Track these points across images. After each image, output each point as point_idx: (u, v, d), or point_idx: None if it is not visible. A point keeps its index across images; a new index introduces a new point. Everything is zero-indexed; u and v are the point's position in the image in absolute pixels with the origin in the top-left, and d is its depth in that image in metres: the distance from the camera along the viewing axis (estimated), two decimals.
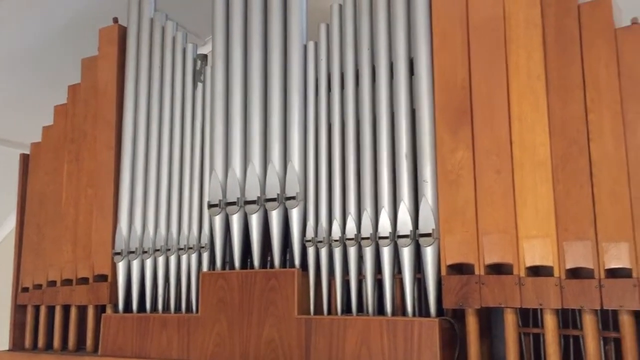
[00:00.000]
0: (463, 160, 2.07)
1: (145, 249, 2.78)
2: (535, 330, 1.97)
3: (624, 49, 1.83)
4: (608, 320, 1.90)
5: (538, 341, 1.99)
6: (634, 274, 1.73)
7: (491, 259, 1.97)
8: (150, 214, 2.81)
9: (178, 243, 2.70)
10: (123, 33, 3.06)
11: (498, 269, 1.99)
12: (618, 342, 1.85)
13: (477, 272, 1.98)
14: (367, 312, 2.22)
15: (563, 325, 1.93)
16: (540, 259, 1.88)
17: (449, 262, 2.04)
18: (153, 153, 2.86)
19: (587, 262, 1.81)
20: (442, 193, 2.09)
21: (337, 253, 2.29)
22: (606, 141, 1.83)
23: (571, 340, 1.94)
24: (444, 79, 2.15)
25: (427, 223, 2.11)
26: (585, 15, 1.92)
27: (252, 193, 2.49)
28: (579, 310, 1.88)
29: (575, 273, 1.85)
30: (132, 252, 2.80)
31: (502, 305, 1.93)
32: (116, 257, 2.81)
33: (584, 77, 1.89)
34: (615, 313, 1.86)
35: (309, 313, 2.32)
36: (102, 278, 2.86)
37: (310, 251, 2.35)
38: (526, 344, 2.02)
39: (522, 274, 1.90)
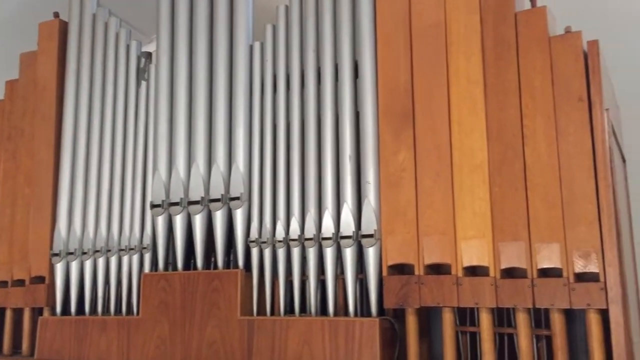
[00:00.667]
0: (405, 162, 2.11)
1: (85, 250, 2.71)
2: (472, 329, 2.02)
3: (558, 57, 1.91)
4: (540, 318, 1.97)
5: (474, 339, 2.04)
6: (564, 274, 1.80)
7: (430, 259, 2.01)
8: (91, 214, 2.75)
9: (119, 244, 2.65)
10: (64, 28, 2.99)
11: (437, 269, 2.04)
12: (550, 340, 1.92)
13: (416, 272, 2.02)
14: (310, 312, 2.23)
15: (498, 323, 1.98)
16: (477, 259, 1.93)
17: (390, 263, 2.07)
18: (94, 152, 2.80)
19: (520, 262, 1.87)
20: (384, 194, 2.12)
21: (281, 254, 2.29)
22: (540, 146, 1.90)
23: (505, 338, 2.00)
24: (387, 82, 2.18)
25: (369, 224, 2.14)
26: (522, 23, 1.98)
27: (196, 193, 2.46)
28: (513, 309, 1.94)
29: (510, 273, 1.91)
30: (71, 253, 2.73)
31: (440, 305, 1.97)
32: (54, 259, 2.74)
33: (520, 83, 1.95)
34: (547, 311, 1.93)
35: (251, 314, 2.31)
36: (40, 280, 2.78)
37: (254, 252, 2.35)
38: (463, 342, 2.07)
39: (460, 274, 1.95)
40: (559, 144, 1.88)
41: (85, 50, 2.90)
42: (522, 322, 1.88)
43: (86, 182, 2.80)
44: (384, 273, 2.07)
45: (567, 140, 1.87)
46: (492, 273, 1.90)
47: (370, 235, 2.13)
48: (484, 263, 1.92)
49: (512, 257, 1.88)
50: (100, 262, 2.67)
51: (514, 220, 1.90)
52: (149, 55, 2.79)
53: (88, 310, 2.68)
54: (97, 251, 2.69)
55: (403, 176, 2.10)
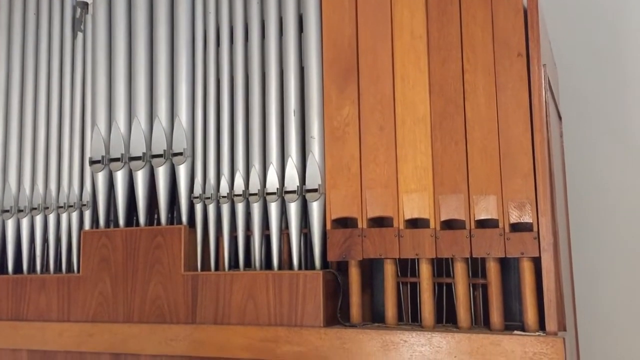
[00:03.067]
0: (349, 117, 2.11)
1: (21, 208, 2.62)
2: (412, 280, 2.08)
3: (498, 12, 1.93)
4: (477, 268, 2.04)
5: (415, 290, 2.10)
6: (500, 224, 1.86)
7: (373, 212, 2.04)
8: (27, 171, 2.66)
9: (57, 201, 2.57)
10: None
11: (380, 222, 2.07)
12: (485, 288, 1.99)
13: (360, 225, 2.05)
14: (255, 267, 2.24)
15: (437, 274, 2.05)
16: (418, 212, 1.97)
17: (334, 217, 2.09)
18: (29, 106, 2.70)
19: (459, 214, 1.92)
20: (329, 149, 2.12)
21: (225, 209, 2.28)
22: (479, 101, 1.94)
23: (444, 287, 2.07)
24: (331, 37, 2.17)
25: (313, 179, 2.15)
26: None
27: (138, 149, 2.41)
28: (452, 259, 2.01)
29: (449, 224, 1.96)
30: (6, 211, 2.64)
31: (382, 257, 2.01)
32: None
33: (462, 38, 1.98)
34: (483, 261, 2.00)
35: (196, 269, 2.30)
36: None
37: (198, 208, 2.32)
38: (404, 292, 2.12)
39: (402, 226, 1.99)
40: (498, 98, 1.92)
41: (17, 0, 2.75)
42: (460, 271, 1.94)
43: (21, 138, 2.70)
44: (328, 227, 2.09)
45: (505, 94, 1.91)
46: (432, 225, 1.95)
47: (315, 190, 2.14)
48: (425, 215, 1.96)
49: (452, 209, 1.93)
50: (38, 219, 2.60)
51: (454, 173, 1.94)
52: (85, 5, 2.67)
53: (26, 269, 2.61)
54: (34, 209, 2.61)
55: (347, 131, 2.11)
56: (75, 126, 2.59)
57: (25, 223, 2.62)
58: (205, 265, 2.33)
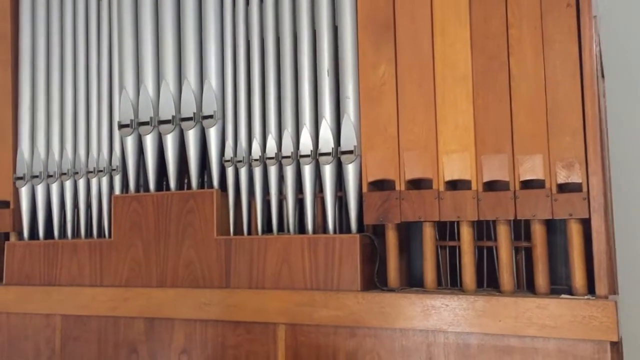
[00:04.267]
0: (385, 76, 2.04)
1: (51, 173, 2.60)
2: (452, 243, 2.02)
3: None
4: (520, 231, 1.97)
5: (454, 254, 2.04)
6: (547, 185, 1.79)
7: (412, 174, 1.97)
8: (55, 136, 2.63)
9: (87, 166, 2.54)
10: None
11: (418, 185, 2.01)
12: (528, 252, 1.93)
13: (397, 187, 1.99)
14: (288, 231, 2.20)
15: (478, 237, 1.98)
16: (458, 173, 1.91)
17: (370, 179, 2.03)
18: (55, 71, 2.65)
19: (503, 175, 1.85)
20: (364, 109, 2.06)
21: (257, 173, 2.23)
22: (525, 56, 1.85)
23: (485, 251, 2.01)
24: None
25: (349, 140, 2.08)
26: None
27: (167, 112, 2.36)
28: (494, 222, 1.94)
29: (492, 186, 1.90)
30: (36, 177, 2.62)
31: (421, 219, 1.95)
32: (18, 182, 2.63)
33: None
34: (526, 224, 1.94)
35: (228, 234, 2.27)
36: (4, 205, 2.67)
37: (229, 171, 2.28)
38: (442, 256, 2.07)
39: (442, 188, 1.92)
40: (545, 53, 1.83)
41: None
42: (503, 234, 1.88)
43: (48, 103, 2.66)
44: (364, 189, 2.04)
45: (553, 48, 1.81)
46: (474, 186, 1.88)
47: (350, 152, 2.08)
48: (466, 177, 1.90)
49: (495, 169, 1.86)
50: (68, 185, 2.57)
51: (497, 132, 1.87)
52: None
53: (57, 234, 2.60)
54: (64, 174, 2.58)
55: (383, 90, 2.03)
56: (102, 90, 2.54)
57: (55, 188, 2.60)
58: (238, 230, 2.29)
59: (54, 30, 2.67)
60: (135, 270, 2.35)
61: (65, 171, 2.58)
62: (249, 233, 2.27)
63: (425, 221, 1.96)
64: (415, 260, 2.16)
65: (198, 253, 2.24)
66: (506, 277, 1.86)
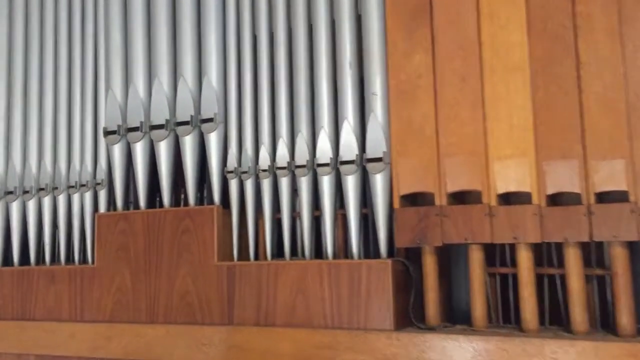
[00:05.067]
0: (421, 67, 1.69)
1: (27, 189, 2.26)
2: (505, 270, 1.65)
3: None
4: (589, 255, 1.60)
5: (505, 282, 1.67)
6: (631, 197, 1.42)
7: (455, 186, 1.62)
8: (32, 146, 2.30)
9: (68, 180, 2.20)
10: None
11: (463, 199, 1.65)
12: (601, 281, 1.56)
13: (437, 202, 1.63)
14: (303, 255, 1.84)
15: (536, 262, 1.61)
16: (515, 184, 1.55)
17: (403, 192, 1.68)
18: (34, 70, 2.34)
19: (572, 186, 1.49)
20: (395, 108, 1.71)
21: (266, 185, 1.88)
22: (598, 38, 1.50)
23: (545, 280, 1.63)
24: None
25: (376, 146, 1.73)
26: None
27: (159, 116, 2.02)
28: (556, 245, 1.58)
29: (558, 199, 1.53)
30: (10, 193, 2.28)
31: (469, 241, 1.59)
32: None
33: None
34: (599, 247, 1.57)
35: (231, 259, 1.91)
36: None
37: (233, 184, 1.93)
38: (491, 286, 1.69)
39: (493, 202, 1.56)
40: (623, 34, 1.47)
41: None
42: (573, 259, 1.51)
43: (25, 107, 2.33)
44: (396, 205, 1.68)
45: (634, 28, 1.46)
46: (535, 200, 1.52)
47: (378, 159, 1.72)
48: (525, 188, 1.54)
49: (562, 179, 1.50)
50: (46, 202, 2.24)
51: (564, 132, 1.51)
52: None
53: (33, 259, 2.25)
54: (42, 189, 2.24)
55: (419, 84, 1.69)
56: (86, 91, 2.21)
57: (31, 206, 2.26)
58: (243, 254, 1.93)
59: (33, 25, 2.35)
60: (121, 302, 1.99)
61: (43, 186, 2.24)
62: (256, 258, 1.91)
63: (472, 243, 1.59)
64: (458, 291, 1.78)
65: (195, 282, 1.88)
66: (579, 313, 1.49)
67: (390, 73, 1.73)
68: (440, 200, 1.63)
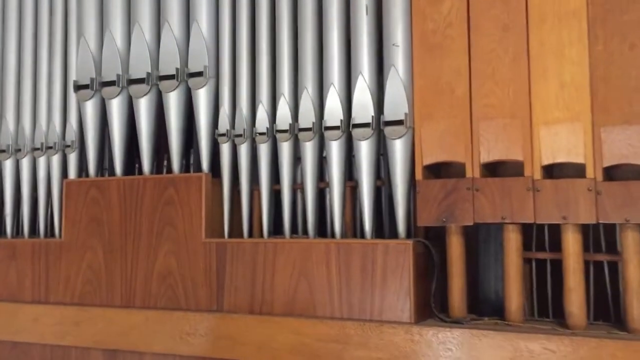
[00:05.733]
0: (452, 14, 1.43)
1: None
2: (544, 255, 1.41)
3: None
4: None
5: (542, 269, 1.43)
6: None
7: (491, 155, 1.38)
8: None
9: (32, 141, 1.91)
10: None
11: (500, 170, 1.41)
12: None
13: (469, 174, 1.38)
14: (306, 233, 1.58)
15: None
16: (565, 154, 1.31)
17: (428, 161, 1.43)
18: None
19: (636, 157, 1.24)
20: (420, 62, 1.46)
21: (264, 151, 1.62)
22: None
23: (591, 267, 1.39)
24: None
25: (396, 106, 1.47)
26: None
27: (140, 68, 1.74)
28: (604, 226, 1.34)
29: (616, 173, 1.29)
30: None
31: (506, 221, 1.35)
32: None
33: None
34: None
35: (222, 236, 1.65)
36: None
37: (225, 149, 1.66)
38: (525, 273, 1.45)
39: (537, 175, 1.32)
40: None
41: None
42: (632, 244, 1.27)
43: None
44: (418, 176, 1.43)
45: None
46: (589, 173, 1.28)
47: (398, 122, 1.47)
48: (577, 159, 1.30)
49: (623, 148, 1.26)
50: (8, 165, 1.96)
51: (627, 94, 1.26)
52: None
53: None
54: (2, 151, 1.95)
55: (449, 34, 1.43)
56: (55, 39, 1.93)
57: None
58: (235, 230, 1.68)
59: None
60: (92, 282, 1.73)
61: (4, 148, 1.95)
62: (250, 235, 1.65)
63: (510, 223, 1.35)
64: (487, 277, 1.54)
65: (180, 261, 1.62)
66: (637, 307, 1.25)
67: (414, 20, 1.47)
68: (473, 171, 1.38)
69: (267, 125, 1.60)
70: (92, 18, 1.83)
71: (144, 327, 1.62)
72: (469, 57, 1.40)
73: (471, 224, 1.37)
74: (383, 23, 1.52)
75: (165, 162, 1.79)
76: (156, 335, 1.60)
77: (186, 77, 1.69)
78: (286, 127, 1.58)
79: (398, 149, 1.47)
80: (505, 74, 1.37)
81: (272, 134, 1.60)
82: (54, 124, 1.89)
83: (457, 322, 1.38)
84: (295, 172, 1.62)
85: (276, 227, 1.65)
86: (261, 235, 1.64)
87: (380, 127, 1.49)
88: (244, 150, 1.64)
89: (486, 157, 1.38)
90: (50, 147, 1.88)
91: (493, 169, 1.41)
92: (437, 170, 1.46)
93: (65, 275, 1.76)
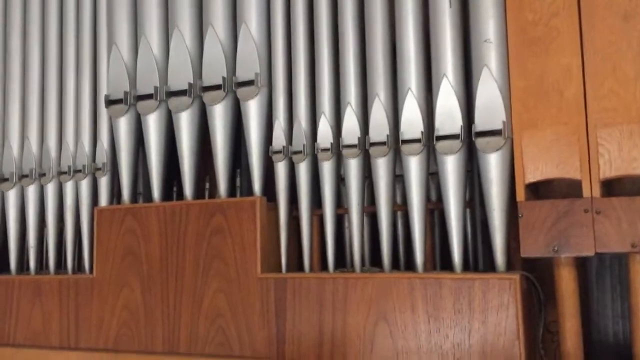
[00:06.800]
0: (558, 1, 1.20)
1: (6, 176, 1.77)
2: None
3: None
4: None
5: None
6: None
7: (614, 169, 1.13)
8: (13, 121, 1.81)
9: (59, 164, 1.70)
10: None
11: (621, 187, 1.16)
12: None
13: (586, 193, 1.14)
14: (382, 267, 1.34)
15: None
16: None
17: (532, 179, 1.20)
18: (15, 24, 1.84)
19: None
20: (519, 60, 1.23)
21: (327, 170, 1.38)
22: None
23: None
24: None
25: (490, 113, 1.24)
26: None
27: (180, 79, 1.53)
28: None
29: None
30: None
31: (636, 249, 1.09)
32: None
33: None
34: None
35: (279, 270, 1.41)
36: None
37: (280, 168, 1.43)
38: None
39: None
40: None
41: None
42: None
43: (5, 70, 1.84)
44: (520, 197, 1.20)
45: None
46: None
47: (494, 132, 1.23)
48: None
49: None
50: (31, 192, 1.74)
51: None
52: None
53: (14, 266, 1.75)
54: (25, 176, 1.74)
55: (554, 25, 1.21)
56: (83, 48, 1.71)
57: (12, 198, 1.77)
58: (292, 263, 1.44)
59: None
60: (129, 325, 1.50)
61: (27, 172, 1.73)
62: (311, 269, 1.41)
63: None
64: (601, 317, 1.29)
65: (231, 300, 1.39)
66: None
67: (509, 11, 1.25)
68: (591, 190, 1.14)
69: (331, 139, 1.37)
70: (125, 23, 1.62)
71: None
72: (582, 51, 1.18)
73: (592, 254, 1.13)
74: (470, 16, 1.29)
75: (207, 185, 1.57)
76: None
77: (234, 87, 1.47)
78: (354, 141, 1.35)
79: (493, 164, 1.23)
80: (628, 71, 1.13)
81: (337, 150, 1.37)
82: (82, 144, 1.68)
83: None
84: (364, 193, 1.39)
85: (340, 260, 1.42)
86: (324, 269, 1.41)
87: (470, 138, 1.25)
88: (303, 169, 1.41)
89: (607, 172, 1.13)
90: (79, 171, 1.67)
91: (617, 186, 1.17)
92: (546, 189, 1.22)
93: (98, 317, 1.53)
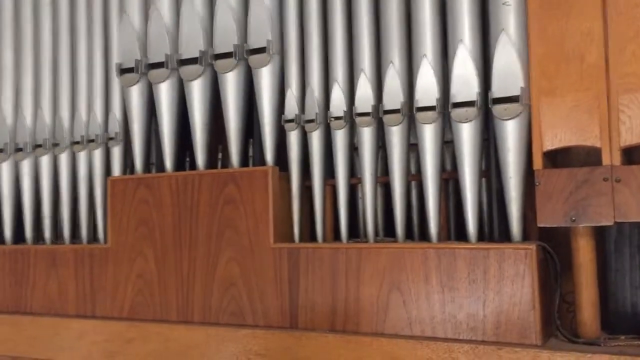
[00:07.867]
0: None
1: (20, 146, 1.76)
2: None
3: None
4: None
5: None
6: None
7: (635, 136, 1.09)
8: (26, 92, 1.80)
9: (71, 134, 1.69)
10: None
11: None
12: None
13: (606, 161, 1.10)
14: (394, 237, 1.32)
15: None
16: None
17: (550, 147, 1.16)
18: None
19: None
20: (538, 23, 1.18)
21: (340, 139, 1.36)
22: None
23: None
24: None
25: (509, 79, 1.20)
26: None
27: (192, 46, 1.50)
28: None
29: None
30: (0, 151, 1.78)
31: None
32: None
33: None
34: None
35: (292, 240, 1.40)
36: None
37: (293, 137, 1.41)
38: None
39: None
40: None
41: None
42: None
43: (17, 41, 1.83)
44: (537, 165, 1.16)
45: None
46: None
47: (512, 99, 1.20)
48: None
49: None
50: (44, 162, 1.74)
51: None
52: None
53: (30, 236, 1.76)
54: (39, 146, 1.74)
55: None
56: (94, 17, 1.68)
57: (26, 168, 1.78)
58: (305, 233, 1.43)
59: None
60: (144, 293, 1.51)
61: (40, 142, 1.73)
62: (324, 239, 1.40)
63: None
64: (618, 288, 1.26)
65: (244, 270, 1.39)
66: None
67: None
68: (611, 157, 1.10)
69: (345, 108, 1.35)
70: None
71: (204, 347, 1.39)
72: (604, 13, 1.13)
73: (611, 223, 1.10)
74: None
75: (220, 155, 1.56)
76: (219, 356, 1.37)
77: (246, 55, 1.45)
78: (368, 109, 1.32)
79: (510, 131, 1.20)
80: None
81: (351, 118, 1.35)
82: (95, 114, 1.66)
83: (591, 344, 1.12)
84: (377, 162, 1.37)
85: (353, 230, 1.40)
86: (337, 239, 1.40)
87: (487, 105, 1.22)
88: (316, 138, 1.39)
89: (628, 139, 1.10)
90: (92, 141, 1.66)
91: (631, 154, 1.13)
92: (564, 157, 1.19)
93: (113, 286, 1.54)
